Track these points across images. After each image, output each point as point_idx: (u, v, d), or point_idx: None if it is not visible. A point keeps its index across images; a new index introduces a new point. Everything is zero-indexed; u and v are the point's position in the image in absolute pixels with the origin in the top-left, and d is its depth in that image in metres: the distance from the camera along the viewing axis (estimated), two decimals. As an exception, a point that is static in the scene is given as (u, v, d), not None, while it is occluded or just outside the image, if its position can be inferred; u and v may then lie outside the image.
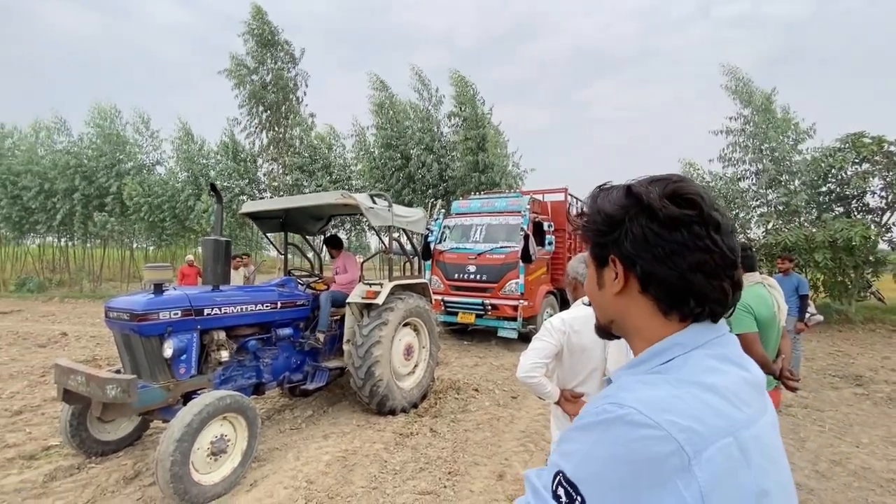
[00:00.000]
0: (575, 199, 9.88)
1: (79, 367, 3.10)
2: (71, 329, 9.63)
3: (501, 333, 8.06)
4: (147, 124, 17.61)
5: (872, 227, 10.29)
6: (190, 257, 9.66)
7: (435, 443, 3.94)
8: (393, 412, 4.53)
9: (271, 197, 16.35)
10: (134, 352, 3.32)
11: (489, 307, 8.02)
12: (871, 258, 10.70)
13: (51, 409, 4.69)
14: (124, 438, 3.71)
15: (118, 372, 3.38)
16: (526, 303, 7.86)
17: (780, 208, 11.29)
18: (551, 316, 6.95)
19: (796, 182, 11.10)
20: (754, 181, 11.68)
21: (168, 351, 3.20)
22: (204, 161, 16.82)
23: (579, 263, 2.03)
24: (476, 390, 5.46)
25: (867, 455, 3.83)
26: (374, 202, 4.59)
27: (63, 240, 20.11)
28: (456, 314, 8.32)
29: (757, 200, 11.79)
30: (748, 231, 11.66)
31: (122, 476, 3.26)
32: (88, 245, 20.48)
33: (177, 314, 3.31)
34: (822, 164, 10.56)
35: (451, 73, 15.10)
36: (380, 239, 5.20)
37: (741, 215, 11.80)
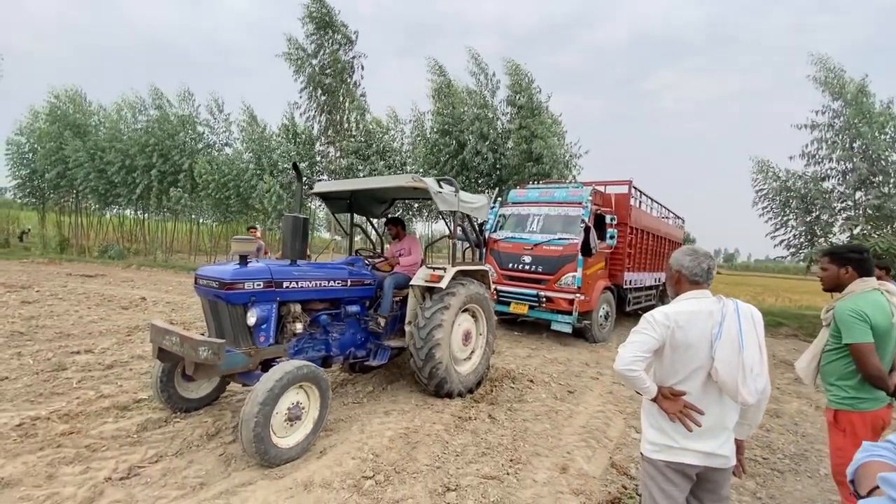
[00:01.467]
0: (639, 193, 9.46)
1: (173, 329, 3.33)
2: (148, 294, 10.44)
3: (555, 327, 7.91)
4: (221, 108, 18.57)
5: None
6: (256, 226, 10.11)
7: (494, 429, 3.94)
8: (450, 395, 4.58)
9: (328, 179, 16.86)
10: (220, 318, 3.53)
11: (543, 299, 7.88)
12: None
13: (137, 365, 5.11)
14: (204, 398, 3.97)
15: (203, 335, 3.61)
16: (582, 297, 7.66)
17: (870, 212, 10.28)
18: (606, 312, 6.71)
19: (892, 183, 10.02)
20: (840, 181, 10.64)
21: (252, 319, 3.38)
22: (266, 143, 17.58)
23: (685, 256, 1.92)
24: (531, 381, 5.40)
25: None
26: (442, 187, 4.60)
27: (139, 212, 21.77)
28: (508, 304, 8.24)
29: (842, 202, 10.76)
30: (830, 236, 10.70)
31: (204, 432, 3.50)
32: (160, 218, 22.07)
33: (259, 285, 3.47)
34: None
35: (506, 61, 14.81)
36: (445, 223, 5.21)
37: (823, 217, 10.84)
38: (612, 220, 8.11)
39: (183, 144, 17.84)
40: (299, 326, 3.75)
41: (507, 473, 3.19)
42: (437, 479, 3.03)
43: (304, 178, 16.38)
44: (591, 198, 8.13)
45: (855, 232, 10.27)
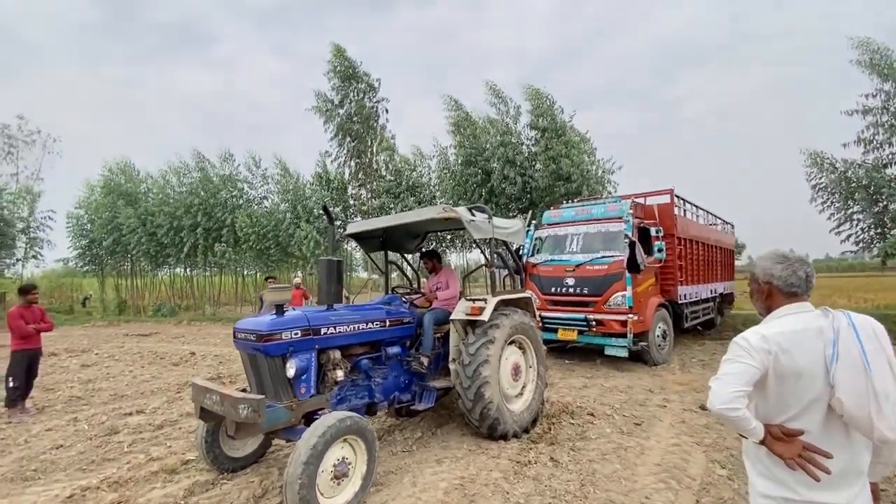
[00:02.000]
0: (682, 201, 8.96)
1: (213, 387, 3.25)
2: (198, 349, 10.69)
3: (609, 352, 7.40)
4: (258, 163, 19.55)
5: None
6: (297, 279, 10.27)
7: (557, 474, 3.56)
8: (505, 437, 4.24)
9: (356, 221, 17.19)
10: (260, 371, 3.42)
11: (593, 323, 7.43)
12: None
13: (186, 423, 5.07)
14: (250, 455, 3.84)
15: (244, 391, 3.51)
16: (636, 317, 7.17)
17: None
18: (664, 331, 6.19)
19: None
20: (906, 166, 9.73)
21: (291, 371, 3.26)
22: (300, 192, 18.23)
23: (774, 264, 1.61)
24: (592, 415, 4.96)
25: None
26: (474, 215, 4.44)
27: (188, 269, 22.85)
28: (555, 331, 7.82)
29: (911, 189, 9.80)
30: (903, 225, 9.72)
31: (251, 494, 3.33)
32: (207, 273, 23.06)
33: (297, 334, 3.36)
34: None
35: (525, 88, 14.88)
36: (482, 252, 5.01)
37: (892, 207, 9.88)
38: (657, 231, 7.65)
39: (225, 202, 18.76)
40: (340, 374, 3.59)
41: (581, 527, 2.81)
42: (501, 539, 2.71)
43: (339, 221, 16.78)
44: (631, 211, 7.74)
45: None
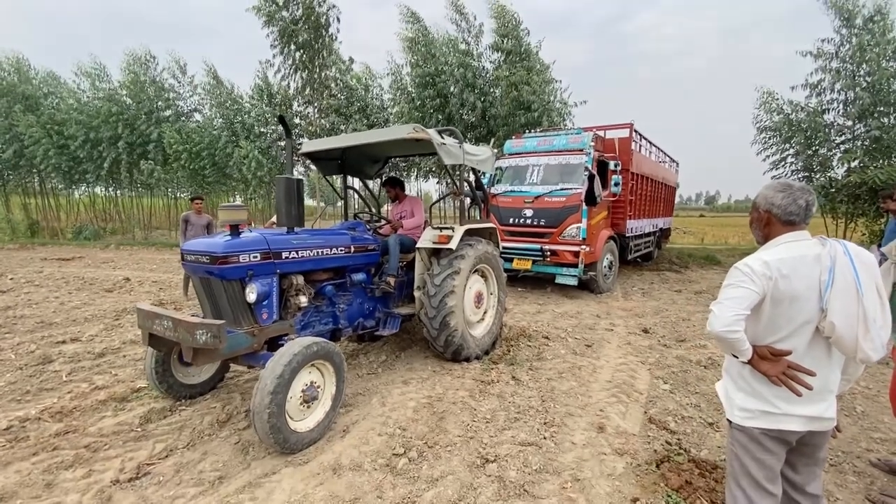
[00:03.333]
0: (640, 136, 9.09)
1: (164, 312, 2.97)
2: (132, 274, 9.95)
3: (560, 280, 7.74)
4: (183, 70, 17.24)
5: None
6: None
7: (520, 391, 3.77)
8: (467, 360, 4.40)
9: (309, 140, 16.05)
10: (215, 296, 3.18)
11: (548, 253, 7.66)
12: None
13: (131, 350, 4.78)
14: (208, 381, 3.68)
15: (195, 316, 3.27)
16: (588, 248, 7.45)
17: (868, 144, 10.11)
18: (610, 262, 6.49)
19: (893, 115, 9.79)
20: (842, 112, 10.37)
21: (252, 295, 3.04)
22: (237, 107, 16.51)
23: (775, 192, 1.61)
24: (547, 338, 5.24)
25: None
26: (444, 139, 4.19)
27: (111, 189, 20.67)
28: (511, 260, 8.00)
29: (842, 136, 10.55)
30: (828, 171, 10.57)
31: (214, 419, 3.24)
32: (135, 194, 21.01)
33: (256, 257, 3.11)
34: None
35: (491, 3, 13.83)
36: (451, 179, 4.83)
37: (821, 152, 10.66)
38: (615, 166, 7.77)
39: (149, 113, 16.65)
40: (304, 300, 3.43)
41: (545, 438, 3.02)
42: (472, 451, 2.85)
43: (282, 144, 15.56)
44: (592, 144, 7.76)
45: (853, 165, 10.15)
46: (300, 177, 3.58)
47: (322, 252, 3.62)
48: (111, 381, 3.97)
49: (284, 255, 3.31)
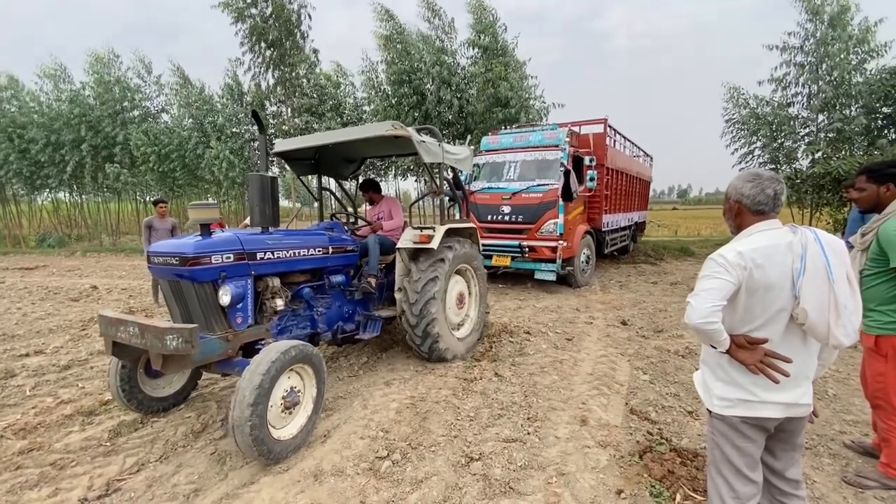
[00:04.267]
0: (613, 132, 9.21)
1: (129, 318, 2.81)
2: (100, 282, 9.57)
3: (539, 276, 7.79)
4: (149, 68, 16.67)
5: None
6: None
7: (503, 387, 3.76)
8: (445, 360, 4.34)
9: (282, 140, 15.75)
10: (186, 300, 3.03)
11: (526, 249, 7.69)
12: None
13: (99, 362, 4.58)
14: (178, 393, 3.50)
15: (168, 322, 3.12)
16: (565, 244, 7.52)
17: (831, 135, 10.50)
18: (587, 256, 6.55)
19: (853, 107, 10.19)
20: (805, 105, 10.74)
21: (225, 298, 2.91)
22: (207, 106, 16.06)
23: (744, 182, 1.63)
24: (528, 333, 5.26)
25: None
26: (423, 137, 4.14)
27: (76, 194, 19.86)
28: (490, 257, 8.01)
29: (806, 128, 10.94)
30: (793, 162, 10.94)
31: (189, 430, 3.12)
32: (101, 199, 20.25)
33: (229, 258, 2.99)
34: (883, 85, 9.61)
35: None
36: (431, 178, 4.78)
37: (786, 144, 11.02)
38: (591, 161, 7.86)
39: (114, 114, 16.04)
40: (280, 303, 3.32)
41: (528, 433, 3.02)
42: (457, 450, 2.82)
43: (255, 144, 15.21)
44: (568, 139, 7.82)
45: (816, 156, 10.52)
46: (274, 175, 3.46)
47: (299, 253, 3.52)
48: (78, 394, 3.79)
49: (259, 255, 3.20)
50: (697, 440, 2.91)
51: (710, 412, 1.68)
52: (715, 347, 1.58)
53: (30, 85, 17.41)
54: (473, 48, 13.98)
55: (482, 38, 13.55)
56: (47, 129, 16.03)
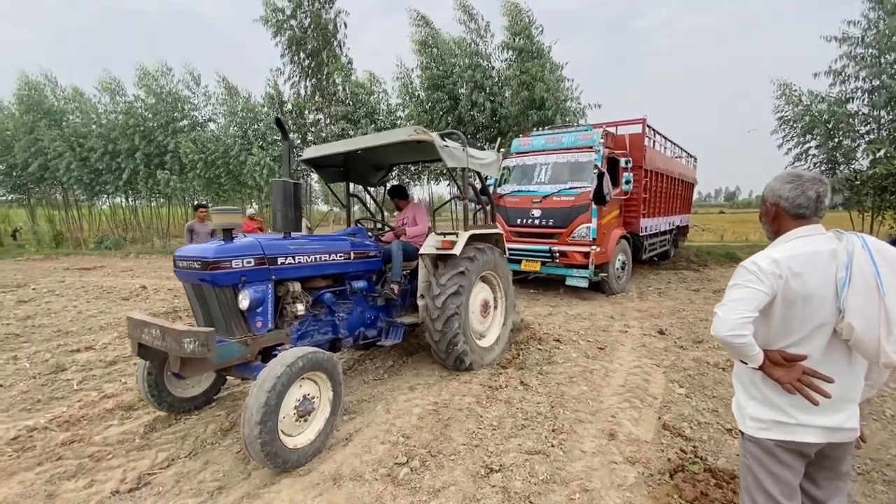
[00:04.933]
0: (653, 132, 8.87)
1: (153, 320, 2.91)
2: (149, 283, 10.13)
3: (570, 282, 7.58)
4: (198, 80, 17.61)
5: None
6: (251, 210, 9.66)
7: (528, 397, 3.66)
8: (471, 369, 4.24)
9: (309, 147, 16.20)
10: (207, 304, 3.12)
11: (557, 254, 7.50)
12: None
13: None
14: (206, 392, 3.59)
15: (192, 326, 3.21)
16: (598, 249, 7.28)
17: (894, 133, 9.68)
18: (623, 262, 6.27)
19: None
20: (866, 101, 9.94)
21: (244, 302, 2.96)
22: (251, 115, 16.75)
23: (783, 184, 1.49)
24: (558, 341, 5.11)
25: None
26: (447, 142, 4.11)
27: (131, 199, 21.21)
28: (519, 262, 7.86)
29: (866, 126, 10.12)
30: (853, 163, 10.15)
31: (218, 427, 3.22)
32: (154, 204, 21.52)
33: (250, 262, 3.04)
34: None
35: (504, 1, 13.72)
36: (455, 183, 4.74)
37: (844, 143, 10.25)
38: (626, 163, 7.57)
39: (165, 124, 17.04)
40: (301, 308, 3.34)
41: (552, 446, 2.91)
42: (477, 460, 2.76)
43: (296, 147, 15.70)
44: (602, 140, 7.58)
45: (878, 155, 9.73)
46: (297, 181, 3.53)
47: (320, 258, 3.56)
48: (120, 389, 4.00)
49: (280, 260, 3.24)
50: (735, 460, 2.71)
51: (742, 434, 1.55)
52: (746, 363, 1.45)
53: (91, 99, 18.76)
54: (508, 51, 13.88)
55: (517, 40, 13.41)
56: (105, 139, 17.21)
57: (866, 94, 9.84)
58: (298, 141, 16.26)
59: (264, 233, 9.18)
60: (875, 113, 9.85)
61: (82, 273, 12.29)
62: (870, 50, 9.49)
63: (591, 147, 7.59)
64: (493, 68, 14.41)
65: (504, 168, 8.41)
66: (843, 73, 9.83)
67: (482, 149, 4.95)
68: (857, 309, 1.30)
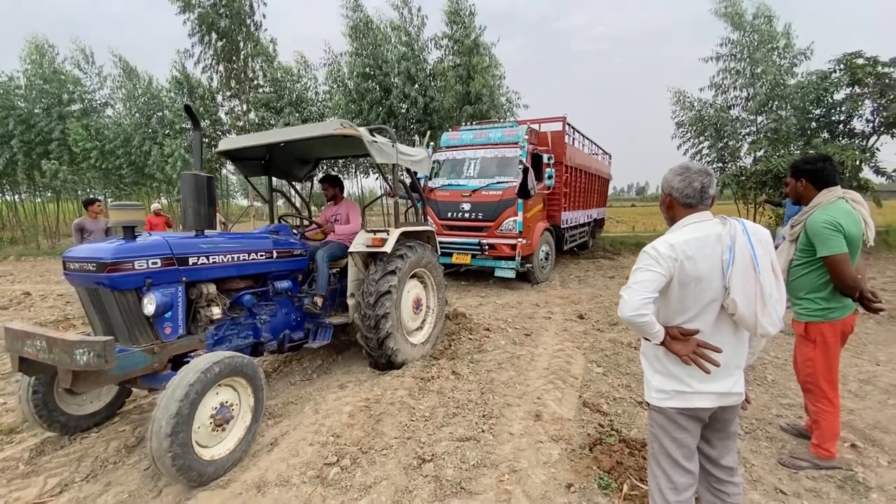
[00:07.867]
0: (573, 130, 9.37)
1: (36, 330, 2.54)
2: (34, 288, 8.87)
3: (499, 273, 7.83)
4: (89, 59, 15.60)
5: (856, 151, 10.28)
6: (157, 205, 8.82)
7: (460, 385, 3.73)
8: (402, 366, 4.21)
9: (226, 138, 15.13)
10: (106, 310, 2.79)
11: (486, 247, 7.71)
12: (854, 183, 10.82)
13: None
14: (108, 406, 3.23)
15: (88, 335, 2.84)
16: (524, 241, 7.58)
17: (769, 135, 11.14)
18: (546, 253, 6.58)
19: (787, 107, 10.85)
20: (744, 107, 11.36)
21: (150, 307, 2.69)
22: (155, 101, 15.22)
23: (674, 175, 1.66)
24: (488, 329, 5.26)
25: (890, 372, 3.86)
26: (374, 136, 4.01)
27: (7, 194, 18.39)
28: (450, 255, 7.98)
29: (746, 128, 11.56)
30: (738, 160, 11.53)
31: (122, 444, 2.92)
32: (39, 199, 18.85)
33: (156, 263, 2.77)
34: (814, 89, 10.29)
35: None
36: (385, 179, 4.65)
37: (730, 143, 11.60)
38: (549, 159, 7.96)
39: (49, 107, 14.93)
40: (216, 311, 3.11)
41: (482, 431, 3.00)
42: (409, 452, 2.76)
43: (208, 136, 14.55)
44: (527, 137, 7.88)
45: (758, 154, 11.12)
46: (210, 174, 3.26)
47: (238, 257, 3.32)
48: (-2, 411, 3.47)
49: (191, 260, 2.98)
50: (645, 430, 2.97)
51: (649, 405, 1.70)
52: (650, 340, 1.59)
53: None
54: (446, 40, 13.68)
55: (454, 29, 13.26)
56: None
57: (743, 101, 11.27)
58: (210, 129, 15.03)
59: (172, 230, 8.43)
60: (752, 117, 11.29)
61: (-56, 280, 10.47)
62: (742, 63, 10.88)
63: (516, 143, 7.86)
64: (426, 60, 14.25)
65: (434, 161, 8.45)
66: (723, 85, 11.20)
67: (412, 144, 4.91)
68: (739, 287, 1.47)
